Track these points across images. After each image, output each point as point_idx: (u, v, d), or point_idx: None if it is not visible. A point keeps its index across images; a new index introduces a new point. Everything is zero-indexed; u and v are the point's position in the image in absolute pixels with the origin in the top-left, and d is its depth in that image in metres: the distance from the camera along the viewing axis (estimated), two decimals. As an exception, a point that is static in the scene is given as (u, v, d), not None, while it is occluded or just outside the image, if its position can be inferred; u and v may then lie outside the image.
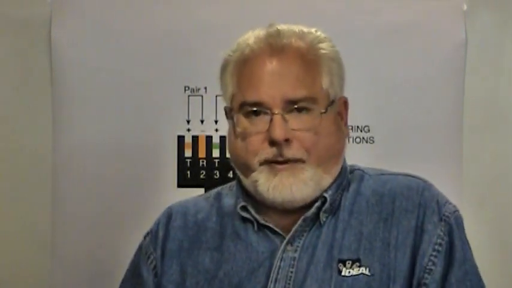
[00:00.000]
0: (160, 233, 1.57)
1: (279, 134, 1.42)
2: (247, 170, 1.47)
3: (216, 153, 2.36)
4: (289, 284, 1.44)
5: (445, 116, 2.37)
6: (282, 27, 1.49)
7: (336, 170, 1.50)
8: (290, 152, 1.43)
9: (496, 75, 2.46)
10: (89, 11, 2.37)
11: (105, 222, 2.33)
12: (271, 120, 1.43)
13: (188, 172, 2.36)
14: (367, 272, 1.43)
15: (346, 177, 1.53)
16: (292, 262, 1.45)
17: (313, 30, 1.50)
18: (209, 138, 2.36)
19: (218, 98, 2.35)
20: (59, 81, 2.36)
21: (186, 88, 2.35)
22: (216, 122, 2.35)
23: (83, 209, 2.34)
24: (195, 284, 1.50)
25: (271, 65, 1.45)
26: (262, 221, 1.49)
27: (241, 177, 1.51)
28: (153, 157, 2.34)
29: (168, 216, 1.59)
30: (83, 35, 2.36)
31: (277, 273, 1.45)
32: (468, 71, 2.38)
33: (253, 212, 1.50)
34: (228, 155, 2.30)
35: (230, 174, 2.34)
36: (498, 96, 2.46)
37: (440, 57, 2.36)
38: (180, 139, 2.36)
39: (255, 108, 1.44)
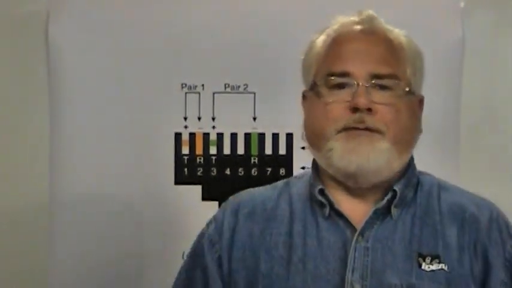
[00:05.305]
0: (227, 222, 1.58)
1: (362, 101, 1.45)
2: (323, 139, 1.49)
3: (213, 150, 2.36)
4: (366, 272, 1.46)
5: (442, 114, 2.36)
6: (374, 14, 1.56)
7: (406, 157, 1.54)
8: (371, 120, 1.47)
9: (494, 73, 2.47)
10: (86, 9, 2.36)
11: (103, 220, 2.33)
12: (355, 91, 1.47)
13: (185, 169, 2.35)
14: (446, 269, 1.47)
15: (415, 176, 1.57)
16: (367, 252, 1.47)
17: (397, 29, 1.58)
18: (206, 136, 2.36)
19: (215, 95, 2.35)
20: (56, 79, 2.35)
21: (183, 85, 2.35)
22: (213, 119, 2.35)
23: (81, 206, 2.33)
24: (269, 268, 1.51)
25: (360, 43, 1.51)
26: (336, 206, 1.51)
27: (314, 152, 1.53)
28: (150, 154, 2.34)
29: (236, 205, 1.60)
30: (80, 32, 2.35)
31: (354, 262, 1.47)
32: (465, 69, 2.38)
33: (330, 196, 1.51)
34: (225, 152, 2.38)
35: (227, 171, 2.34)
36: (496, 95, 2.47)
37: (437, 55, 2.35)
38: (177, 136, 2.35)
39: (340, 80, 1.48)
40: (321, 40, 1.55)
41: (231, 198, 1.64)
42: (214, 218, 1.62)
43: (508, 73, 2.47)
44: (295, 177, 1.65)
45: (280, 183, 1.64)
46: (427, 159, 2.30)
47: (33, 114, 2.42)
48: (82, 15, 2.37)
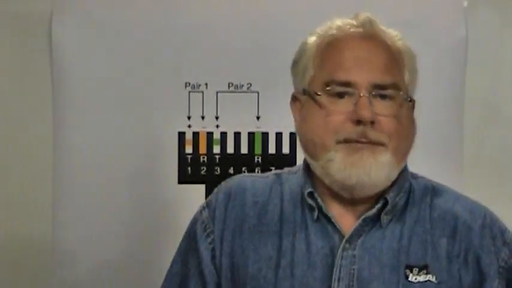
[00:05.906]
0: (219, 212, 1.55)
1: (367, 114, 1.42)
2: (322, 149, 1.46)
3: (216, 149, 2.36)
4: (352, 281, 1.44)
5: (445, 113, 2.36)
6: (372, 17, 1.52)
7: (402, 165, 1.51)
8: (374, 134, 1.44)
9: (497, 71, 2.47)
10: (90, 8, 2.37)
11: (106, 219, 2.33)
12: (356, 101, 1.44)
13: (189, 168, 2.35)
14: (434, 280, 1.45)
15: (408, 180, 1.53)
16: (353, 260, 1.45)
17: (391, 30, 1.54)
18: (210, 135, 2.36)
19: (219, 94, 2.35)
20: (60, 78, 2.36)
21: (187, 84, 2.35)
22: (216, 118, 2.35)
23: (84, 205, 2.33)
24: (257, 270, 1.49)
25: (361, 49, 1.47)
26: (325, 211, 1.48)
27: (311, 160, 1.50)
28: (154, 153, 2.34)
29: (228, 194, 1.57)
30: (83, 31, 2.36)
31: (340, 271, 1.45)
32: (469, 69, 2.38)
33: (319, 200, 1.49)
34: (229, 151, 2.38)
35: (231, 170, 2.34)
36: (499, 94, 2.47)
37: (441, 54, 2.36)
38: (181, 135, 2.35)
39: (341, 89, 1.45)
40: (314, 43, 1.51)
41: (223, 183, 1.60)
42: (207, 204, 1.58)
43: (511, 70, 2.47)
44: (288, 171, 1.60)
45: (270, 175, 1.60)
46: (430, 159, 2.31)
47: (36, 112, 2.42)
48: (85, 14, 2.37)
